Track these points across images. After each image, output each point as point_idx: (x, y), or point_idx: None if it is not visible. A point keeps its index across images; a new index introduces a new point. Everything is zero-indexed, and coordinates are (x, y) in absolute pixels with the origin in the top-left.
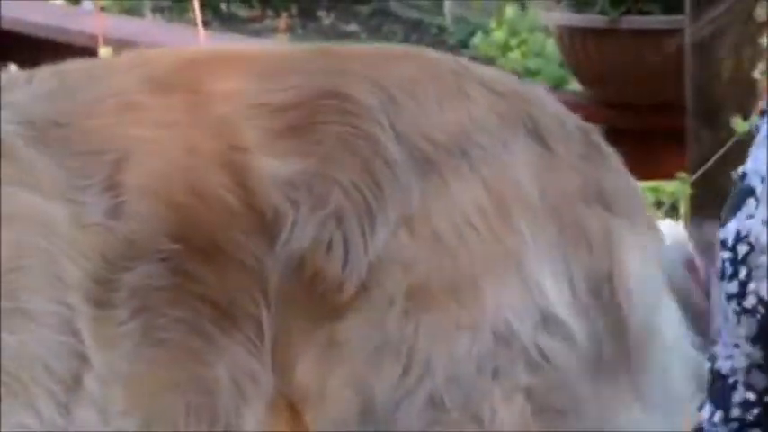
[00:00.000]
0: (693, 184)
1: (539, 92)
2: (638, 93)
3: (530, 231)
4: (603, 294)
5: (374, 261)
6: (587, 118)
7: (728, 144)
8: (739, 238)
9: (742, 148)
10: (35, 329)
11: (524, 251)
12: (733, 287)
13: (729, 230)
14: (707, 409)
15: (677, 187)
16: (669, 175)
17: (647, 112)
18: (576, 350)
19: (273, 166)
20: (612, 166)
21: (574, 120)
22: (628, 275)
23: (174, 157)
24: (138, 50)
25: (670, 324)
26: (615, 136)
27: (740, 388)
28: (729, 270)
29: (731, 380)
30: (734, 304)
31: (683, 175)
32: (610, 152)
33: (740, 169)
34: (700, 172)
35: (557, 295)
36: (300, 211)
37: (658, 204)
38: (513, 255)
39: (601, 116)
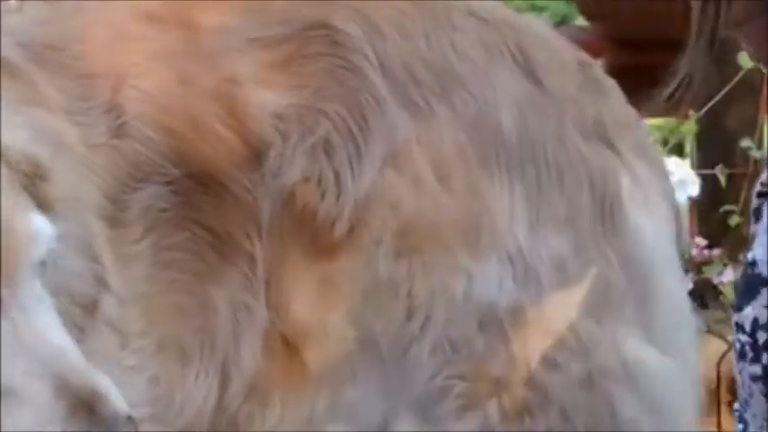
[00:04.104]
0: (699, 121)
1: (535, 24)
2: (644, 28)
3: (507, 176)
4: (607, 229)
5: (362, 198)
6: (593, 53)
7: (734, 80)
8: (758, 325)
9: (748, 85)
10: (60, 252)
11: (501, 199)
12: (756, 369)
13: (746, 316)
14: None
15: (683, 124)
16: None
17: (653, 48)
18: (576, 291)
19: (265, 99)
20: (613, 98)
21: (572, 51)
22: (632, 209)
23: (169, 87)
24: None
25: (673, 260)
26: (620, 72)
27: None
28: (750, 354)
29: None
30: (760, 385)
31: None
32: (611, 85)
33: (749, 255)
34: (705, 108)
35: (535, 242)
36: (289, 143)
37: (664, 142)
38: (489, 203)
39: (606, 52)
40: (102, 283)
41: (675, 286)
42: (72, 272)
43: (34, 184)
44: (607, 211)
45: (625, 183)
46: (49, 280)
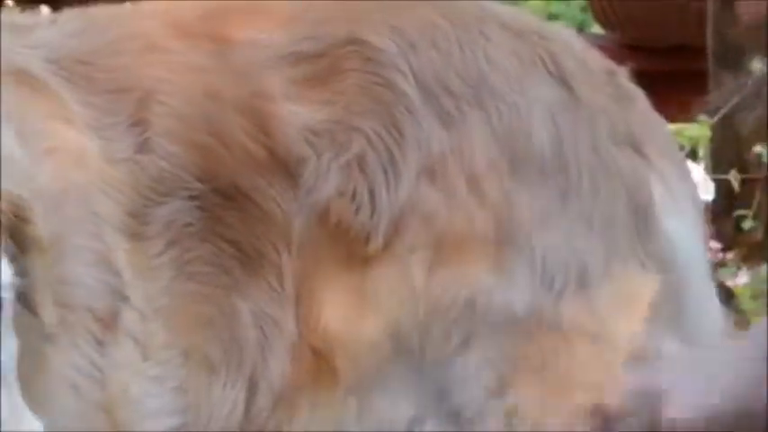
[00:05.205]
0: (714, 127)
1: (564, 33)
2: (660, 35)
3: (540, 186)
4: (642, 236)
5: (398, 211)
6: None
7: (748, 86)
8: None
9: (762, 91)
10: (76, 267)
11: (531, 210)
12: None
13: None
14: None
15: (697, 130)
16: (690, 118)
17: (668, 55)
18: (613, 297)
19: (296, 114)
20: (641, 107)
21: (600, 61)
22: (664, 214)
23: (197, 101)
24: None
25: (704, 262)
26: (636, 79)
27: None
28: None
29: None
30: None
31: (703, 117)
32: (638, 93)
33: None
34: (720, 114)
35: (566, 251)
36: (323, 160)
37: (679, 147)
38: (519, 215)
39: (622, 59)
40: (121, 296)
41: (707, 288)
42: (89, 286)
43: (16, 226)
44: (641, 218)
45: (656, 188)
46: (64, 295)
